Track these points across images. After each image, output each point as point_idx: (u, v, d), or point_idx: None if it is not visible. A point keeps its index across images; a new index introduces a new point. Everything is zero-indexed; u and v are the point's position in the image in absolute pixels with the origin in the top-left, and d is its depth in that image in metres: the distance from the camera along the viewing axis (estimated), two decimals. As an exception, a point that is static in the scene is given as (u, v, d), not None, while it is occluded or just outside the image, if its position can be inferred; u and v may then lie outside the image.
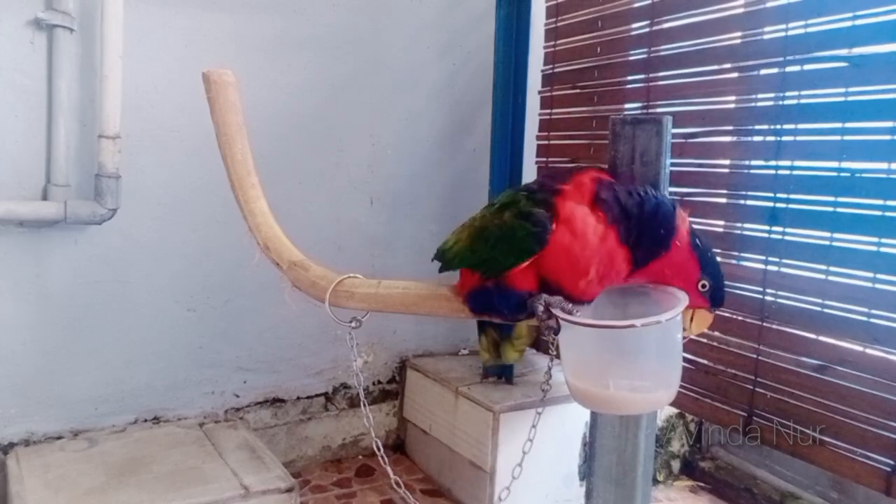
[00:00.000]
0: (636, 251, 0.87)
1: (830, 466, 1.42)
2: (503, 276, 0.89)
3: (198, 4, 1.96)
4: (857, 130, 1.40)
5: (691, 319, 0.91)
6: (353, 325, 1.05)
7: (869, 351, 1.37)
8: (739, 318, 1.60)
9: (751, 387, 1.56)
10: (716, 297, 0.90)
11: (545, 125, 2.18)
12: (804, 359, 1.48)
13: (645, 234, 0.87)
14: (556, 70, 2.13)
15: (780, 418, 1.49)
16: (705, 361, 1.66)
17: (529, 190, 0.92)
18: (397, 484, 1.10)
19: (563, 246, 0.85)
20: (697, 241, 0.89)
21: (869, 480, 1.36)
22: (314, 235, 2.21)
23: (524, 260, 0.87)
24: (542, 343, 2.04)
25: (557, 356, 0.98)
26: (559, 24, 2.12)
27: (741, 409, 1.58)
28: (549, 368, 1.04)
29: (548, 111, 2.17)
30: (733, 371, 1.60)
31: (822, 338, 1.45)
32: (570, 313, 0.83)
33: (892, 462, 1.32)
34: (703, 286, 0.88)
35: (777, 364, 1.52)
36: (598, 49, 1.97)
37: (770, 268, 1.53)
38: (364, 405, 1.13)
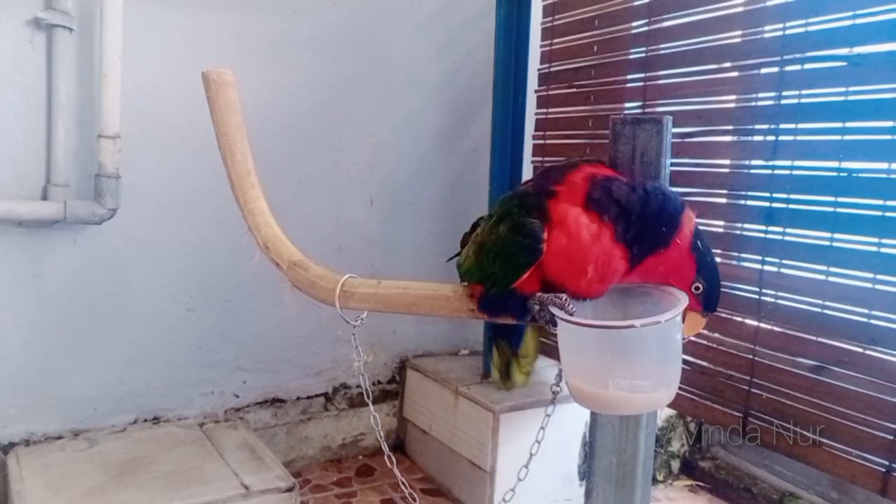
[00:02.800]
0: (633, 248, 0.86)
1: (826, 467, 1.42)
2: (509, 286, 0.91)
3: (198, 4, 1.96)
4: (856, 130, 1.40)
5: (683, 321, 0.89)
6: (357, 323, 1.05)
7: (865, 351, 1.37)
8: (736, 318, 1.59)
9: (746, 387, 1.56)
10: (709, 302, 0.89)
11: (541, 124, 2.18)
12: (800, 359, 1.48)
13: (646, 230, 0.86)
14: (552, 69, 2.13)
15: (776, 419, 1.49)
16: (701, 362, 1.66)
17: (524, 195, 0.93)
18: (403, 485, 1.11)
19: (559, 249, 0.86)
20: (699, 242, 0.87)
21: (864, 481, 1.35)
22: (314, 235, 2.20)
23: (523, 273, 0.88)
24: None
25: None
26: (556, 22, 2.11)
27: (737, 409, 1.58)
28: (560, 371, 1.03)
29: (544, 110, 2.16)
30: (729, 372, 1.60)
31: (818, 338, 1.45)
32: (567, 311, 0.83)
33: (887, 463, 1.32)
34: (697, 288, 0.87)
35: (773, 364, 1.52)
36: (595, 48, 1.97)
37: (767, 268, 1.53)
38: (370, 404, 1.13)
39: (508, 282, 0.90)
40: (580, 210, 0.86)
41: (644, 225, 0.86)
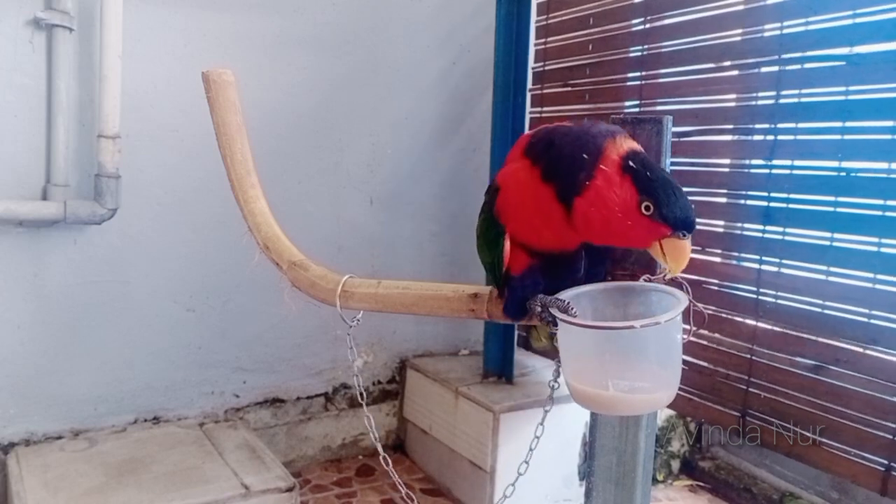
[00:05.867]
0: (557, 182, 0.80)
1: (826, 466, 1.42)
2: (504, 268, 0.90)
3: (197, 4, 1.96)
4: (856, 130, 1.40)
5: (664, 256, 0.80)
6: (353, 324, 1.05)
7: (865, 351, 1.37)
8: (734, 317, 1.59)
9: (744, 387, 1.56)
10: (670, 217, 0.76)
11: (535, 124, 2.18)
12: (798, 359, 1.48)
13: (563, 159, 0.80)
14: (546, 67, 2.12)
15: (774, 418, 1.49)
16: (699, 361, 1.66)
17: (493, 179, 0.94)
18: (400, 485, 1.10)
19: (504, 206, 0.87)
20: (631, 163, 0.77)
21: (865, 480, 1.35)
22: (314, 235, 2.21)
23: (500, 245, 0.88)
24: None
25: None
26: (550, 20, 2.11)
27: (734, 409, 1.58)
28: (557, 367, 1.03)
29: (538, 109, 2.15)
30: (727, 371, 1.60)
31: (817, 338, 1.45)
32: (566, 313, 0.83)
33: (887, 462, 1.32)
34: (647, 208, 0.76)
35: (771, 364, 1.52)
36: (591, 46, 1.97)
37: (765, 267, 1.53)
38: (364, 406, 1.13)
39: (498, 263, 0.89)
40: (518, 164, 0.86)
41: (561, 153, 0.80)
